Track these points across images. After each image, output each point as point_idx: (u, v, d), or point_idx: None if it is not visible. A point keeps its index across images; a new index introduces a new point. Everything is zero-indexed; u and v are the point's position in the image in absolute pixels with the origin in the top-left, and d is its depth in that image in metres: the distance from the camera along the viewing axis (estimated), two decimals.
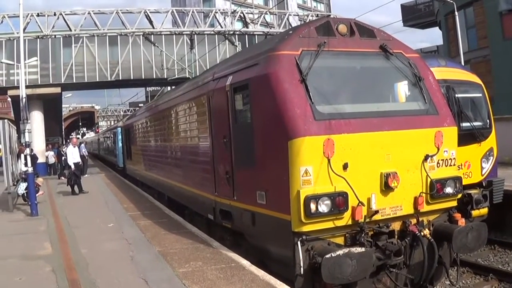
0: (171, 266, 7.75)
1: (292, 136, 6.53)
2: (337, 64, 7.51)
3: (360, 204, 6.66)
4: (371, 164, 6.88)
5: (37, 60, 29.65)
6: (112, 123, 71.59)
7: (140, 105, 57.33)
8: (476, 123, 10.46)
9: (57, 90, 34.22)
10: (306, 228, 6.53)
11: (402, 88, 7.96)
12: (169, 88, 37.77)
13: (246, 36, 37.93)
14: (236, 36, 37.48)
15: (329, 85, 7.37)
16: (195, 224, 10.96)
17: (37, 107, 33.73)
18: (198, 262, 7.85)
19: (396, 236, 7.17)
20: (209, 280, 6.90)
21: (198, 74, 21.05)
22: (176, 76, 34.07)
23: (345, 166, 6.65)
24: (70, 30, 33.71)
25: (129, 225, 11.59)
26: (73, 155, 19.28)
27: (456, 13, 26.34)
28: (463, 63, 23.48)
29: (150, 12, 35.46)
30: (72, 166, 18.90)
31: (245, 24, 38.83)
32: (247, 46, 34.83)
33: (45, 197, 17.96)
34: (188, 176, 11.52)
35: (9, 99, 47.16)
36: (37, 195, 15.05)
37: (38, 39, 32.85)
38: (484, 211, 10.34)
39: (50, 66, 33.43)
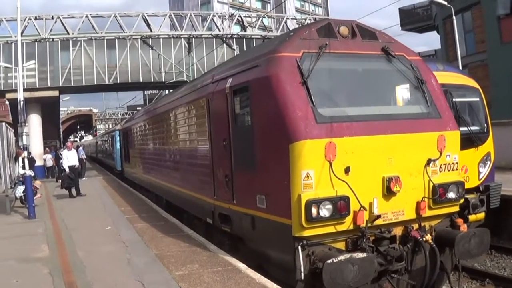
0: (167, 269, 7.72)
1: (293, 139, 6.42)
2: (338, 66, 7.39)
3: (362, 208, 6.56)
4: (373, 168, 6.77)
5: (35, 63, 29.66)
6: (110, 126, 71.45)
7: (138, 108, 57.23)
8: (473, 128, 10.36)
9: (55, 93, 34.27)
10: (307, 233, 6.42)
11: (404, 91, 7.88)
12: (167, 91, 37.70)
13: (244, 39, 37.96)
14: (234, 39, 37.54)
15: (331, 87, 7.27)
16: (194, 228, 10.84)
17: (35, 110, 33.74)
18: (195, 265, 7.82)
19: (397, 242, 7.06)
20: (205, 283, 6.88)
21: (190, 80, 20.95)
22: (174, 80, 34.11)
23: (347, 170, 6.54)
24: (68, 33, 33.72)
25: (126, 228, 11.56)
26: (68, 158, 19.22)
27: (454, 17, 26.16)
28: (461, 67, 23.33)
29: (148, 16, 35.50)
30: (67, 169, 18.81)
31: (243, 28, 38.82)
32: (245, 49, 34.79)
33: (43, 200, 17.87)
34: (187, 179, 11.40)
35: (7, 102, 47.11)
36: (34, 198, 14.98)
37: (36, 43, 32.86)
38: (481, 215, 10.27)
39: (48, 69, 33.47)
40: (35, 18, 32.95)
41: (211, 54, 34.96)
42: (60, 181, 22.34)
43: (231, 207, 8.35)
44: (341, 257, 6.07)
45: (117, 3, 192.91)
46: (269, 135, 7.04)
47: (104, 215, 13.87)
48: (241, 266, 7.65)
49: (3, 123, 16.72)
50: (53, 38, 33.62)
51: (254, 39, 37.79)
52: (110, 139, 36.22)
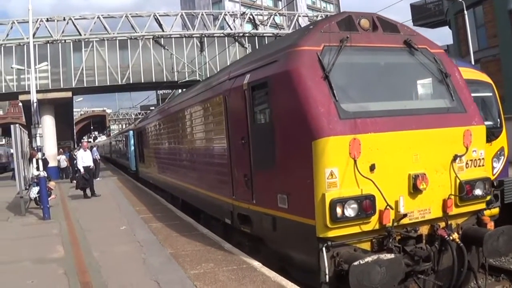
0: (183, 268, 7.71)
1: (317, 136, 6.20)
2: (361, 60, 7.16)
3: (388, 207, 6.33)
4: (398, 165, 6.53)
5: (47, 65, 29.68)
6: (124, 127, 71.67)
7: (151, 108, 57.32)
8: (486, 122, 10.23)
9: (68, 94, 34.37)
10: (331, 234, 6.19)
11: (428, 85, 7.63)
12: (180, 91, 37.66)
13: (256, 38, 37.76)
14: (246, 38, 37.40)
15: (353, 82, 7.02)
16: (211, 229, 10.65)
17: (48, 111, 33.85)
18: (210, 264, 7.81)
19: (424, 241, 6.82)
20: (220, 282, 6.86)
21: (204, 79, 20.76)
22: (187, 79, 34.01)
23: (372, 168, 6.31)
24: (80, 34, 33.77)
25: (141, 228, 11.55)
26: (83, 159, 19.17)
27: (466, 12, 26.23)
28: (473, 62, 23.27)
29: (159, 15, 35.48)
30: (82, 170, 18.78)
31: (255, 26, 38.61)
32: (257, 47, 34.63)
33: (57, 201, 17.88)
34: (204, 179, 11.19)
35: (20, 104, 47.44)
36: (49, 198, 14.97)
37: (48, 44, 32.97)
38: (495, 211, 10.15)
39: (61, 71, 33.53)
40: (47, 20, 33.02)
41: (223, 53, 34.84)
42: (74, 181, 22.40)
43: (250, 207, 8.12)
44: (368, 259, 5.83)
45: (128, 4, 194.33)
46: (290, 132, 6.82)
47: (119, 215, 13.85)
48: (256, 264, 7.62)
49: (17, 125, 16.72)
50: (65, 40, 33.69)
51: (266, 37, 37.59)
52: (124, 139, 36.25)
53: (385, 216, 6.33)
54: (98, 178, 26.77)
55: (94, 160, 23.61)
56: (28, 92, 23.67)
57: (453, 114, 7.25)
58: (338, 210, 6.08)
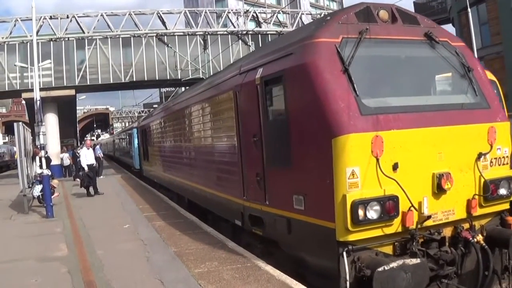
0: (187, 266, 7.68)
1: (337, 133, 5.83)
2: (381, 53, 6.79)
3: (412, 208, 5.97)
4: (422, 164, 6.17)
5: (50, 62, 29.57)
6: (127, 125, 71.51)
7: (154, 106, 57.16)
8: None
9: (71, 92, 34.27)
10: (352, 237, 5.82)
11: (451, 80, 7.29)
12: (183, 88, 37.49)
13: (259, 35, 37.74)
14: (249, 36, 37.36)
15: (374, 76, 6.67)
16: (220, 230, 10.32)
17: (51, 109, 33.78)
18: (214, 262, 7.79)
19: (447, 243, 6.46)
20: (224, 280, 6.83)
21: (211, 74, 20.45)
22: (190, 77, 33.91)
23: (395, 167, 5.94)
24: (83, 32, 33.73)
25: (145, 226, 11.47)
26: (86, 157, 19.07)
27: (469, 9, 26.24)
28: None
29: (162, 13, 35.44)
30: (86, 168, 18.65)
31: (258, 24, 38.56)
32: (260, 46, 34.35)
33: (61, 199, 17.78)
34: (212, 178, 10.79)
35: (23, 102, 47.30)
36: (52, 197, 14.81)
37: (51, 42, 32.88)
38: None
39: (64, 69, 33.51)
40: (50, 18, 33.00)
41: (226, 50, 34.67)
42: (78, 179, 22.19)
43: (263, 209, 7.74)
44: (393, 264, 5.48)
45: (131, 1, 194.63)
46: (307, 129, 6.44)
47: (122, 214, 13.77)
48: (261, 263, 7.55)
49: (20, 123, 16.51)
50: (68, 37, 33.60)
51: (269, 35, 37.46)
52: (127, 137, 36.07)
53: (409, 218, 5.98)
54: (101, 176, 26.58)
55: (97, 158, 23.43)
56: (31, 90, 23.60)
57: (477, 110, 6.91)
58: (360, 212, 5.72)
